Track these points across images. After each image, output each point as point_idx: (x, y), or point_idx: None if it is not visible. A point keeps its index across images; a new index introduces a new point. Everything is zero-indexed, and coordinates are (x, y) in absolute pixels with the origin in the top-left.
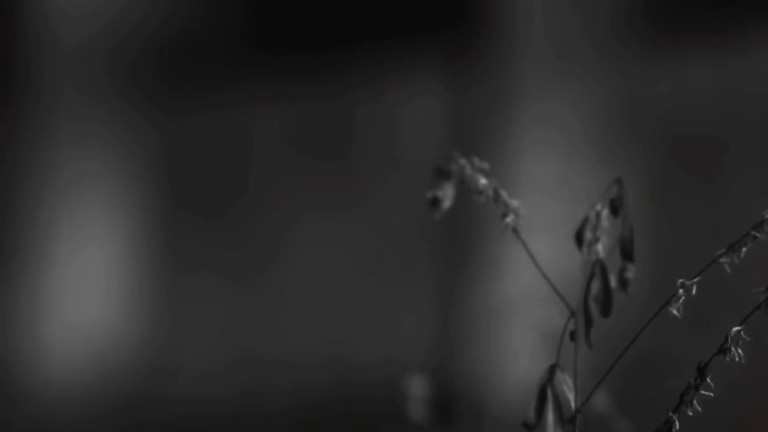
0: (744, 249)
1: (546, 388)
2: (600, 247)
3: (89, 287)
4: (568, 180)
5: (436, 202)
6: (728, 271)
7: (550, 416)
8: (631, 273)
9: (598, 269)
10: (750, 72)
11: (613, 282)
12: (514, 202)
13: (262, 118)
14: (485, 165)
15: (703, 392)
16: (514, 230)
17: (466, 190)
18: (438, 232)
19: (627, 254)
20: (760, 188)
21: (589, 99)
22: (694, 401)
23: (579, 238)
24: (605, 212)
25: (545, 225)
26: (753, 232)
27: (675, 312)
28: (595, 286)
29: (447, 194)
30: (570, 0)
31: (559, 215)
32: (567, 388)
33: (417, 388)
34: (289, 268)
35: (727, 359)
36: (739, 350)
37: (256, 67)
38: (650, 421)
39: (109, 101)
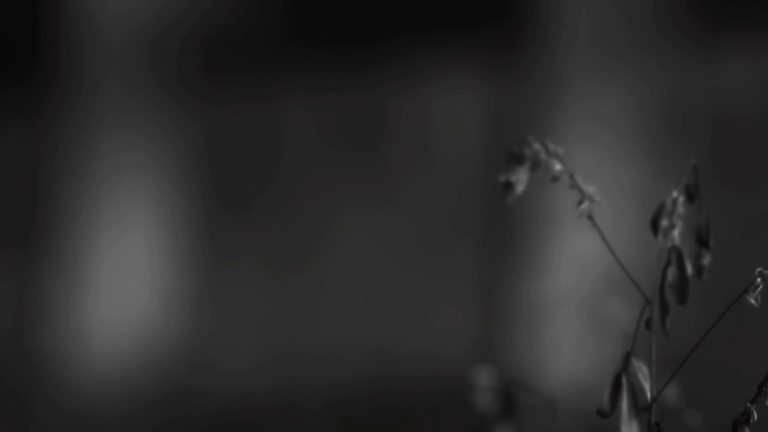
0: None
1: (621, 376)
2: (676, 234)
3: (129, 278)
4: (614, 175)
5: (509, 186)
6: None
7: (624, 405)
8: (707, 260)
9: (674, 256)
10: None
11: (689, 269)
12: (590, 188)
13: (300, 110)
14: (560, 150)
15: None
16: (590, 217)
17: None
18: (476, 223)
19: (703, 241)
20: None
21: (633, 94)
22: None
23: (655, 225)
24: (681, 199)
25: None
26: None
27: (752, 301)
28: (671, 273)
29: (520, 179)
30: None
31: (606, 210)
32: (642, 376)
33: (485, 379)
34: (328, 261)
35: None
36: None
37: (295, 60)
38: (718, 412)
39: (150, 93)
